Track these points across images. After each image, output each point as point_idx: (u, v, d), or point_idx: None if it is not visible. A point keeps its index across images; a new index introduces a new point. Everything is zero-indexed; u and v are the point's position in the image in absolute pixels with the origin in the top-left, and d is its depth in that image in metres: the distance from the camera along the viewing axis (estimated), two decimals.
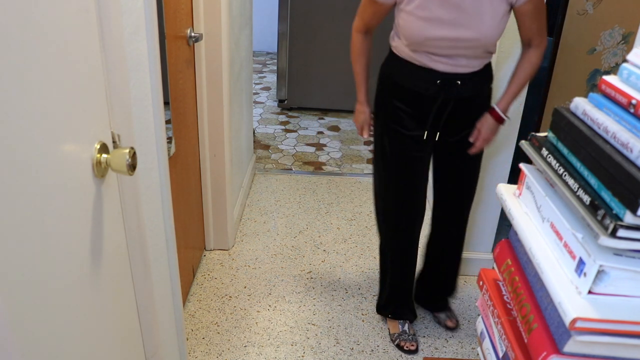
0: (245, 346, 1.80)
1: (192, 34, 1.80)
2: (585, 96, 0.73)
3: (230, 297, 2.04)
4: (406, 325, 1.87)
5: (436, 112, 1.53)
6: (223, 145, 2.11)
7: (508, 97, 1.55)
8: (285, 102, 4.20)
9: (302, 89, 4.14)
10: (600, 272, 0.63)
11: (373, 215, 2.65)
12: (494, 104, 1.57)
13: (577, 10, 1.99)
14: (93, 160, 0.77)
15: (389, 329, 1.90)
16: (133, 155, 0.78)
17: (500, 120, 1.55)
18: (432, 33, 1.39)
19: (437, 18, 1.37)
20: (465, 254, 2.24)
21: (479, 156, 1.66)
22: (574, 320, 0.61)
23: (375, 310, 1.98)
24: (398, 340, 1.84)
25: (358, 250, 2.39)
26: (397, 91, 1.54)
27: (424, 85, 1.50)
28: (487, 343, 0.90)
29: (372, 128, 1.68)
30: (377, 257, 1.93)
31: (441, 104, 1.51)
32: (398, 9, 1.43)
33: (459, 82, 1.48)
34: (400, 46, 1.50)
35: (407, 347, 1.82)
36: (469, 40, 1.40)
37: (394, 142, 1.59)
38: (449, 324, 1.93)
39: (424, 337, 1.90)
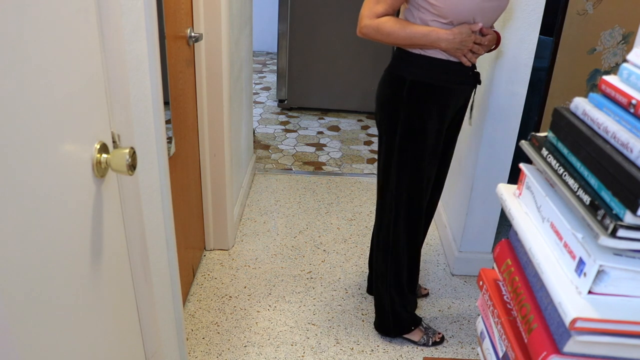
0: (245, 346, 1.80)
1: (192, 34, 1.80)
2: (585, 96, 0.73)
3: (230, 297, 2.04)
4: (421, 322, 1.90)
5: (463, 103, 1.63)
6: (223, 145, 2.11)
7: None
8: (285, 102, 4.20)
9: (302, 89, 4.15)
10: (600, 272, 0.63)
11: (373, 215, 2.66)
12: None
13: (577, 10, 1.99)
14: (93, 160, 0.77)
15: (412, 340, 1.86)
16: (133, 155, 0.78)
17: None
18: None
19: None
20: (466, 254, 2.24)
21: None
22: (574, 320, 0.61)
23: (384, 336, 1.88)
24: (430, 339, 1.87)
25: (358, 250, 2.39)
26: (429, 93, 1.52)
27: (459, 79, 1.55)
28: (487, 343, 0.90)
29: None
30: (385, 275, 1.79)
31: (467, 94, 1.61)
32: None
33: (476, 69, 1.59)
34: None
35: (439, 337, 1.88)
36: (505, 2, 1.46)
37: (427, 142, 1.58)
38: (424, 291, 2.11)
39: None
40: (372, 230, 2.02)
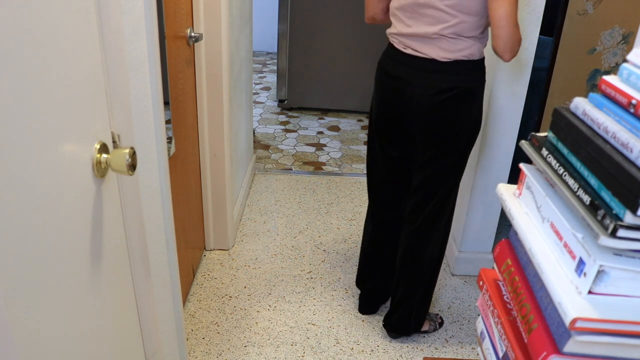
0: (245, 346, 1.80)
1: (192, 34, 1.80)
2: (585, 96, 0.73)
3: (230, 297, 2.04)
4: None
5: None
6: (223, 145, 2.11)
7: None
8: (285, 102, 4.20)
9: (302, 89, 4.14)
10: (600, 272, 0.63)
11: None
12: None
13: (577, 10, 1.99)
14: (93, 160, 0.77)
15: (424, 331, 1.92)
16: (133, 155, 0.78)
17: None
18: None
19: None
20: (466, 254, 2.24)
21: None
22: (574, 320, 0.61)
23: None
24: (436, 324, 1.94)
25: (358, 250, 2.38)
26: (482, 95, 1.57)
27: None
28: (487, 343, 0.90)
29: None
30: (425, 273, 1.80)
31: None
32: None
33: None
34: (486, 36, 1.48)
35: (440, 318, 1.97)
36: None
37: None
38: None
39: (424, 337, 1.90)
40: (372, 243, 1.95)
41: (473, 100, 1.51)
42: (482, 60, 1.50)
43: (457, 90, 1.47)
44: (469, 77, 1.48)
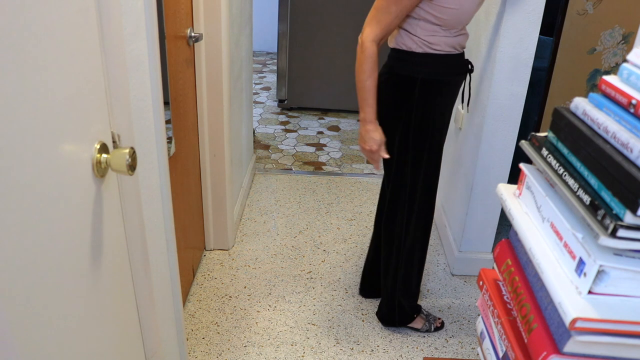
0: (245, 346, 1.80)
1: (192, 34, 1.80)
2: (585, 96, 0.73)
3: (230, 297, 2.04)
4: (421, 309, 1.95)
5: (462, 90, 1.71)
6: (223, 145, 2.11)
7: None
8: (285, 102, 4.20)
9: (302, 89, 4.15)
10: (600, 272, 0.63)
11: (373, 215, 2.66)
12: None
13: (577, 10, 1.99)
14: (93, 160, 0.77)
15: (416, 329, 1.92)
16: (133, 155, 0.78)
17: None
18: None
19: None
20: (466, 254, 2.24)
21: None
22: (574, 320, 0.61)
23: (395, 324, 1.91)
24: (431, 326, 1.93)
25: (358, 250, 2.39)
26: (439, 88, 1.57)
27: (460, 70, 1.61)
28: (487, 343, 0.90)
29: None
30: (398, 266, 1.81)
31: (461, 82, 1.67)
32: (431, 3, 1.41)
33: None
34: (440, 43, 1.49)
35: (440, 323, 1.95)
36: None
37: (439, 136, 1.63)
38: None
39: (424, 337, 1.90)
40: (372, 231, 2.02)
41: (411, 88, 1.53)
42: (430, 54, 1.50)
43: (387, 75, 1.57)
44: (409, 66, 1.53)
